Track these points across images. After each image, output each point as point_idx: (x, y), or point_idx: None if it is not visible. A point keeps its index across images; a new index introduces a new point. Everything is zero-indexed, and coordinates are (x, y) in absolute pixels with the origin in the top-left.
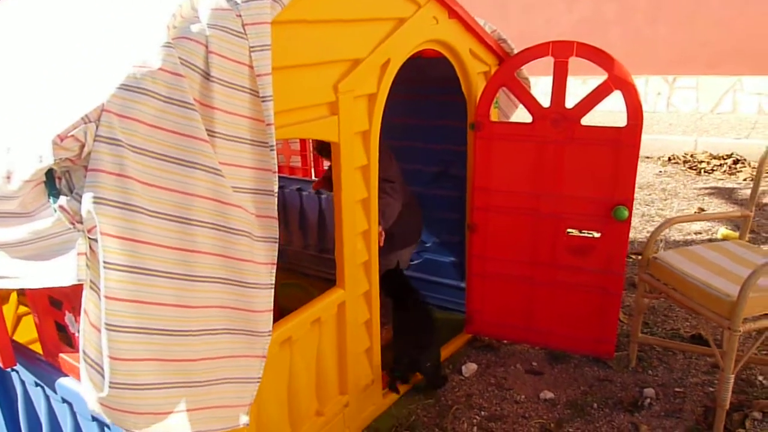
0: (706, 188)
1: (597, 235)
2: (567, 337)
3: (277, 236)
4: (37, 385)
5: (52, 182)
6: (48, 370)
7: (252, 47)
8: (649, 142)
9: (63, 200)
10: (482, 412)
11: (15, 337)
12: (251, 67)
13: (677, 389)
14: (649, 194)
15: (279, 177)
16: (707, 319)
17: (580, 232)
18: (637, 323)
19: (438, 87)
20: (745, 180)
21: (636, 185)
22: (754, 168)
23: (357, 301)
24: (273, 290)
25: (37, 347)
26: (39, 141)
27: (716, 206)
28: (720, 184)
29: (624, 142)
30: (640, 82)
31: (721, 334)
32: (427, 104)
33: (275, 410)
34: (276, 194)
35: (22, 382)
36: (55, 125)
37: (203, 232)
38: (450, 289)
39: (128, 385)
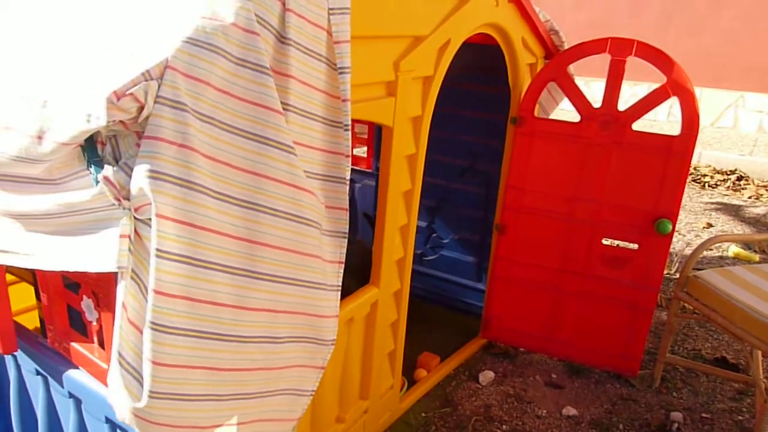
0: (712, 203)
1: (635, 247)
2: (590, 351)
3: (347, 231)
4: (38, 373)
5: (93, 147)
6: (54, 358)
7: (331, 9)
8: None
9: (108, 171)
10: (504, 426)
11: None
12: (330, 33)
13: (704, 415)
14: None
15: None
16: (751, 345)
17: (617, 243)
18: (667, 342)
19: (477, 75)
20: (750, 198)
21: None
22: (758, 186)
23: (388, 301)
24: (340, 292)
25: (25, 321)
26: (87, 97)
27: (724, 222)
28: (726, 200)
29: (675, 152)
30: (642, 88)
31: (745, 358)
32: (461, 93)
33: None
34: (348, 182)
35: (18, 368)
36: (108, 80)
37: (272, 221)
38: (465, 289)
39: (171, 395)
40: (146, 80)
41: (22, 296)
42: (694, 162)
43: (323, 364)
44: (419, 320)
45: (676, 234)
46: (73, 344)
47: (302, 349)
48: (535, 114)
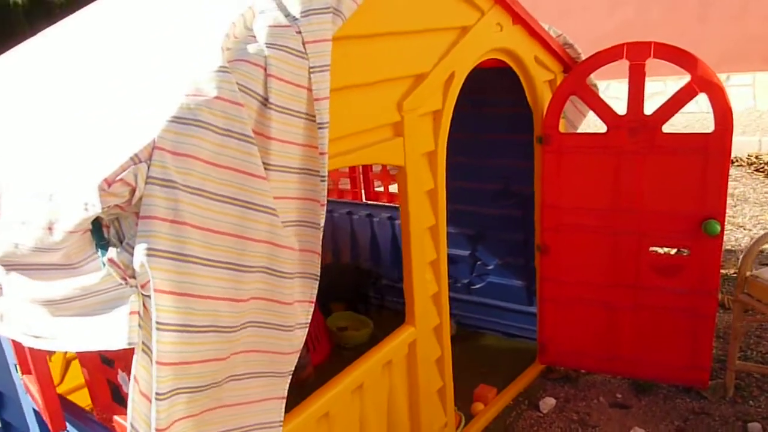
0: None
1: (685, 252)
2: (654, 365)
3: (318, 273)
4: None
5: (100, 231)
6: None
7: (312, 68)
8: None
9: (112, 252)
10: None
11: (66, 384)
12: (310, 90)
13: None
14: None
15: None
16: None
17: (665, 250)
18: (734, 349)
19: (498, 98)
20: None
21: None
22: None
23: (428, 338)
24: (307, 329)
25: (81, 397)
26: (83, 186)
27: None
28: None
29: (712, 150)
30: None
31: None
32: (484, 117)
33: None
34: (322, 228)
35: None
36: (100, 168)
37: (253, 277)
38: (518, 314)
39: None
40: (135, 164)
41: (78, 373)
42: (754, 150)
43: (283, 394)
44: (473, 351)
45: (741, 229)
46: (116, 417)
47: (261, 384)
48: (563, 129)
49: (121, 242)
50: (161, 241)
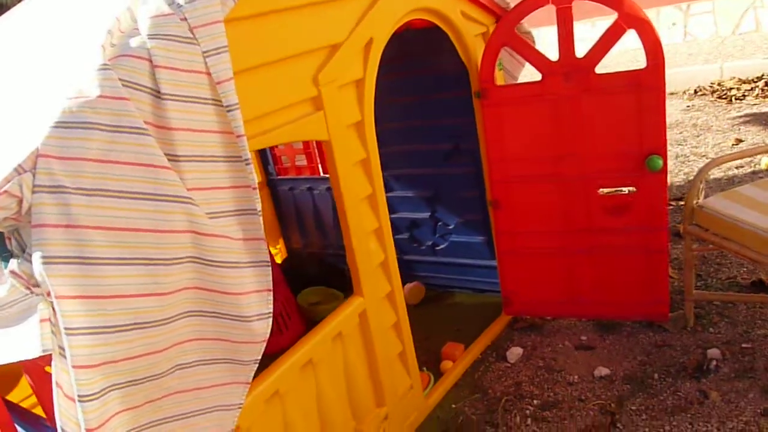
0: (741, 116)
1: (632, 190)
2: (615, 305)
3: (268, 260)
4: None
5: (2, 244)
6: None
7: (205, 52)
8: (671, 76)
9: (13, 264)
10: (534, 401)
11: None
12: (209, 74)
13: (744, 345)
14: (680, 132)
15: (289, 178)
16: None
17: (614, 191)
18: (690, 279)
19: (436, 58)
20: None
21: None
22: None
23: (380, 306)
24: (271, 317)
25: None
26: None
27: (754, 135)
28: (755, 110)
29: (647, 85)
30: (650, 14)
31: None
32: (426, 78)
33: None
34: (260, 213)
35: None
36: None
37: (178, 269)
38: (483, 269)
39: None
40: (20, 174)
41: None
42: (716, 77)
43: (247, 380)
44: (443, 311)
45: (704, 158)
46: None
47: (218, 369)
48: (504, 81)
49: (23, 252)
50: (56, 247)
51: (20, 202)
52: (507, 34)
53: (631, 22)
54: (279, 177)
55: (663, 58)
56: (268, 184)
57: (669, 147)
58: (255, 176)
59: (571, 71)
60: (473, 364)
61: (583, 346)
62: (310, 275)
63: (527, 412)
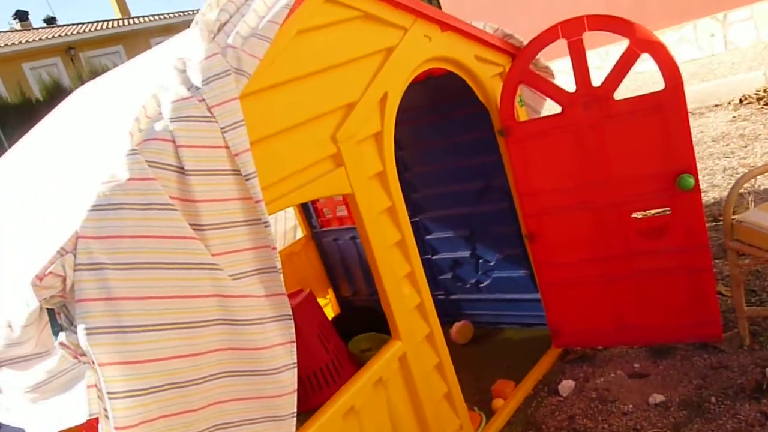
0: None
1: (667, 211)
2: (665, 329)
3: (291, 313)
4: None
5: (54, 319)
6: None
7: (223, 128)
8: (715, 88)
9: (62, 336)
10: None
11: None
12: (228, 148)
13: None
14: (727, 144)
15: (332, 229)
16: None
17: (647, 214)
18: (739, 296)
19: (461, 100)
20: None
21: (710, 138)
22: None
23: (420, 348)
24: (296, 369)
25: None
26: (24, 285)
27: None
28: None
29: (668, 106)
30: (688, 29)
31: None
32: (454, 121)
33: None
34: (280, 270)
35: None
36: (35, 264)
37: (209, 331)
38: (529, 303)
39: None
40: (62, 255)
41: None
42: (761, 85)
43: None
44: (493, 348)
45: (750, 167)
46: None
47: (261, 428)
48: (527, 116)
49: (71, 325)
50: (96, 319)
51: (64, 280)
52: (522, 71)
53: (644, 46)
54: (323, 229)
55: (680, 78)
56: (313, 237)
57: (716, 161)
58: (274, 237)
59: (590, 100)
60: (525, 400)
61: (636, 373)
62: (362, 323)
63: None
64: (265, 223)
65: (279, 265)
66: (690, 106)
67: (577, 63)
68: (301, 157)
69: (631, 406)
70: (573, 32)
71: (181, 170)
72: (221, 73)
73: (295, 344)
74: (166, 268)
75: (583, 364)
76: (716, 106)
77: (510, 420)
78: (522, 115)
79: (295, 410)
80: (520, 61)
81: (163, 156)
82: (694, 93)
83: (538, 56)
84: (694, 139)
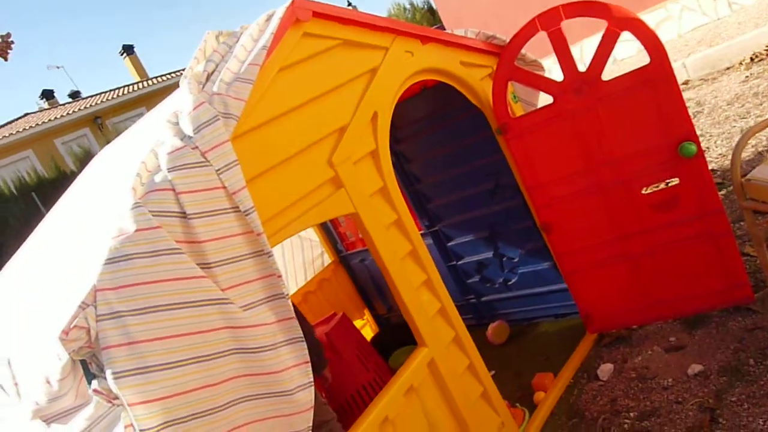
0: None
1: (676, 181)
2: (695, 298)
3: (302, 335)
4: None
5: (87, 368)
6: None
7: (218, 170)
8: (724, 50)
9: (95, 383)
10: (631, 413)
11: None
12: (225, 188)
13: None
14: (742, 105)
15: (358, 251)
16: None
17: (657, 187)
18: (764, 254)
19: (456, 106)
20: None
21: (725, 102)
22: None
23: (448, 352)
24: (312, 387)
25: None
26: (53, 341)
27: None
28: None
29: (656, 78)
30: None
31: None
32: (454, 127)
33: None
34: (288, 296)
35: None
36: (61, 320)
37: (225, 361)
38: (558, 293)
39: None
40: (83, 309)
41: None
42: None
43: None
44: (530, 343)
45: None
46: None
47: None
48: (524, 111)
49: (102, 372)
50: (121, 363)
51: (88, 331)
52: (509, 69)
53: (622, 24)
54: (349, 252)
55: (664, 49)
56: (341, 261)
57: (733, 123)
58: (277, 266)
59: (580, 85)
60: (566, 389)
61: (672, 347)
62: (401, 338)
63: (626, 426)
64: (268, 253)
65: (286, 291)
66: (701, 72)
67: (560, 52)
68: (301, 185)
69: (670, 380)
70: (551, 23)
71: (183, 215)
72: (210, 120)
73: (309, 365)
74: (179, 308)
75: (620, 346)
76: (728, 68)
77: (553, 411)
78: (518, 110)
79: (310, 425)
80: (505, 59)
81: (165, 204)
82: (703, 59)
83: (524, 51)
84: (709, 105)
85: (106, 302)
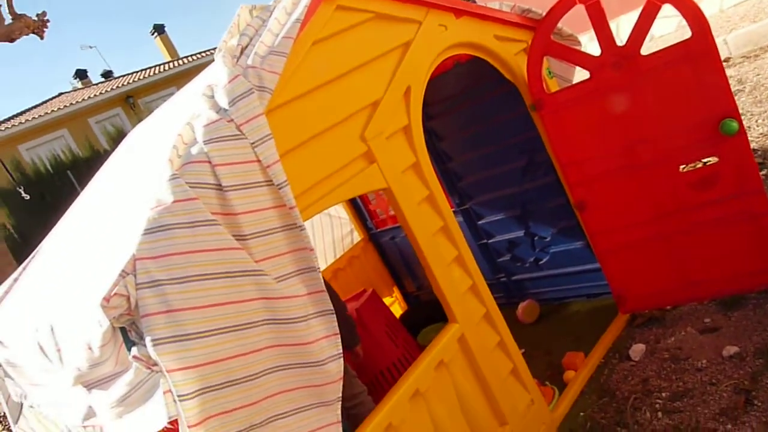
0: None
1: (715, 159)
2: (732, 279)
3: (332, 308)
4: None
5: (126, 336)
6: None
7: (253, 143)
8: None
9: (134, 350)
10: (663, 394)
11: None
12: (259, 161)
13: None
14: None
15: (388, 229)
16: None
17: (695, 165)
18: None
19: (489, 82)
20: None
21: (766, 79)
22: None
23: (478, 328)
24: (342, 359)
25: None
26: (94, 308)
27: None
28: None
29: (698, 53)
30: None
31: None
32: (487, 103)
33: None
34: (318, 269)
35: None
36: (100, 288)
37: (257, 331)
38: (590, 273)
39: None
40: (123, 277)
41: None
42: None
43: (337, 419)
44: (561, 323)
45: None
46: None
47: (311, 415)
48: (558, 86)
49: (141, 339)
50: (161, 330)
51: (128, 299)
52: (545, 43)
53: None
54: (378, 230)
55: (707, 22)
56: (371, 239)
57: None
58: (310, 239)
59: (618, 60)
60: (597, 369)
61: (707, 328)
62: (430, 316)
63: (657, 406)
64: (300, 227)
65: (317, 265)
66: (743, 50)
67: (598, 26)
68: (334, 159)
69: (704, 361)
70: None
71: (219, 187)
72: (245, 93)
73: (339, 336)
74: (216, 278)
75: (653, 327)
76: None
77: (583, 390)
78: (553, 86)
79: (340, 395)
80: (541, 34)
81: (202, 176)
82: (746, 35)
83: (560, 25)
84: (750, 83)
85: (145, 271)
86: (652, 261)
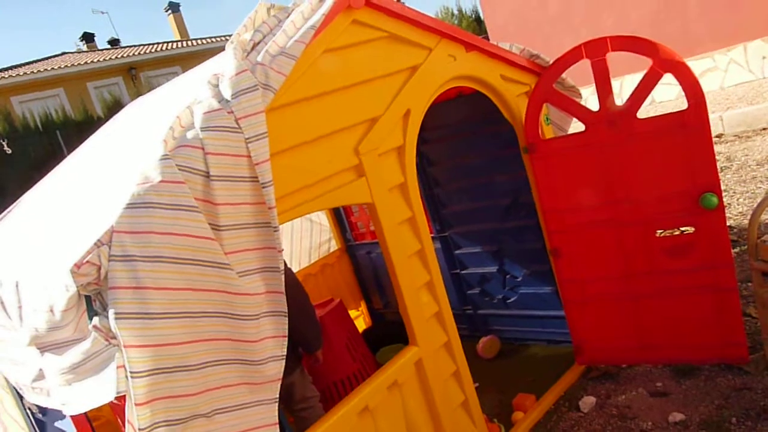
0: None
1: (691, 230)
2: (689, 348)
3: (286, 311)
4: None
5: (90, 304)
6: None
7: (248, 138)
8: (764, 110)
9: (95, 320)
10: None
11: None
12: (249, 157)
13: None
14: None
15: (366, 243)
16: None
17: (672, 232)
18: (765, 317)
19: (488, 118)
20: None
21: (755, 162)
22: None
23: (437, 356)
24: (283, 361)
25: None
26: (63, 272)
27: None
28: None
29: (691, 125)
30: (737, 51)
31: None
32: (483, 137)
33: None
34: (282, 271)
35: None
36: (73, 254)
37: (211, 321)
38: (555, 320)
39: None
40: (98, 247)
41: None
42: None
43: (274, 421)
44: (518, 364)
45: None
46: None
47: (253, 412)
48: (554, 134)
49: (105, 310)
50: (125, 305)
51: (99, 269)
52: (547, 90)
53: (667, 66)
54: (356, 243)
55: (703, 97)
56: (347, 250)
57: (759, 184)
58: (281, 241)
59: (614, 119)
60: (546, 414)
61: (658, 392)
62: (392, 335)
63: None
64: (275, 228)
65: (281, 266)
66: (737, 129)
67: (600, 82)
68: (324, 167)
69: (650, 423)
70: (596, 52)
71: (206, 175)
72: (249, 88)
73: (285, 339)
74: (187, 263)
75: (606, 382)
76: (764, 129)
77: None
78: (548, 133)
79: (276, 397)
80: (545, 81)
81: (193, 161)
82: (740, 116)
83: (564, 76)
84: (738, 162)
85: (120, 244)
86: (615, 317)
